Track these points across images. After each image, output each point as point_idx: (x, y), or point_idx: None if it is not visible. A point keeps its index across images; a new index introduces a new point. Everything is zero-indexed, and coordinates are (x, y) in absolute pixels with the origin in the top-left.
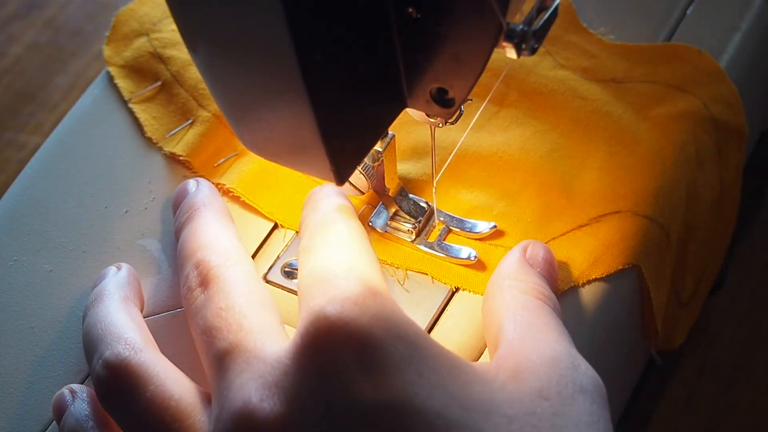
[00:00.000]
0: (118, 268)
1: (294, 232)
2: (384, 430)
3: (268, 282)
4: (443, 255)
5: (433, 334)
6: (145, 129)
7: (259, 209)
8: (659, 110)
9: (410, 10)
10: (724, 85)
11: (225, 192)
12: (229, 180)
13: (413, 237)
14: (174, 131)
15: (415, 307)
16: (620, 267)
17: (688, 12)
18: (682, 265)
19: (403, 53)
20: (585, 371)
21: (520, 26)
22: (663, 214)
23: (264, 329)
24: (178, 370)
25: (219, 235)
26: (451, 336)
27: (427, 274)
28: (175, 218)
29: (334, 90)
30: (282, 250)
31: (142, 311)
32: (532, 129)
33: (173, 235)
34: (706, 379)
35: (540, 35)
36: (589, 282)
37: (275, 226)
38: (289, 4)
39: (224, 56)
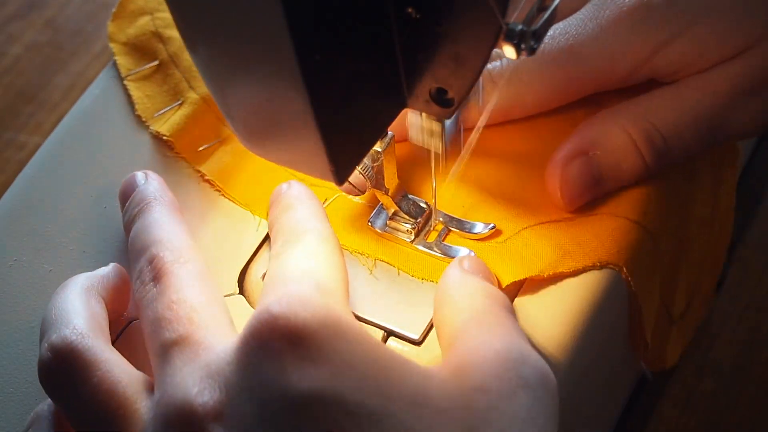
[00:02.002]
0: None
1: None
2: (308, 418)
3: None
4: (442, 255)
5: (433, 333)
6: (137, 107)
7: (234, 200)
8: None
9: (410, 10)
10: None
11: (206, 181)
12: (208, 169)
13: (412, 237)
14: (162, 111)
15: (414, 307)
16: (590, 264)
17: None
18: (673, 278)
19: (403, 53)
20: (534, 364)
21: (520, 26)
22: (649, 219)
23: (214, 324)
24: (124, 358)
25: (172, 231)
26: None
27: (422, 279)
28: (125, 211)
29: (333, 90)
30: None
31: (122, 309)
32: (522, 123)
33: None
34: (706, 379)
35: (539, 35)
36: (558, 276)
37: None
38: (289, 4)
39: (224, 56)
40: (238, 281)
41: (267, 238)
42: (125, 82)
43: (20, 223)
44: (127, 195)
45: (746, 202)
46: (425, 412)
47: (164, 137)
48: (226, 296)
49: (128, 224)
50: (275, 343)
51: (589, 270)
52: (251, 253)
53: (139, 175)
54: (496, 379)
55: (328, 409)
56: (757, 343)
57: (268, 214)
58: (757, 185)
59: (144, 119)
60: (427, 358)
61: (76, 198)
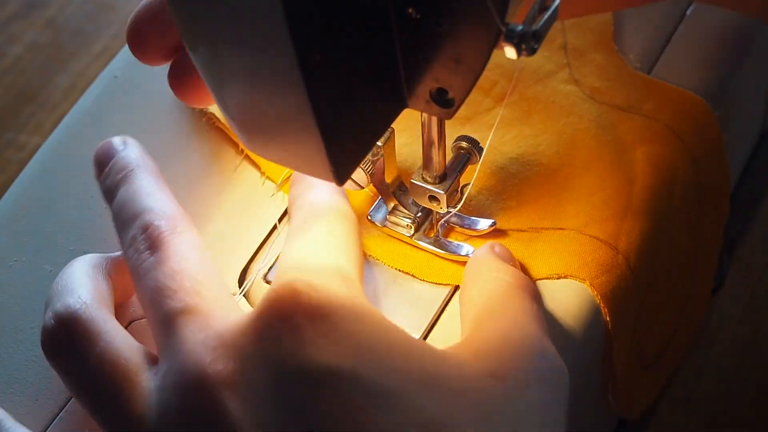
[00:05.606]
0: None
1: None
2: (323, 392)
3: (267, 282)
4: (442, 251)
5: (434, 333)
6: None
7: (238, 140)
8: (649, 149)
9: (410, 10)
10: (720, 157)
11: (208, 118)
12: (215, 107)
13: (412, 232)
14: None
15: (414, 306)
16: (545, 276)
17: (688, 13)
18: (648, 316)
19: (403, 53)
20: (551, 359)
21: (520, 27)
22: (620, 242)
23: (219, 297)
24: (125, 330)
25: (162, 200)
26: (452, 334)
27: (423, 280)
28: (104, 176)
29: (333, 90)
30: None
31: (129, 294)
32: (515, 131)
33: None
34: (706, 379)
35: (540, 36)
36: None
37: (275, 226)
38: (289, 4)
39: (224, 57)
40: (238, 281)
41: (267, 238)
42: None
43: (20, 223)
44: (105, 160)
45: (746, 202)
46: (439, 393)
47: None
48: None
49: (110, 191)
50: (296, 318)
51: (543, 279)
52: (252, 253)
53: (117, 140)
54: (512, 369)
55: (344, 385)
56: (757, 343)
57: (286, 188)
58: (757, 185)
59: None
60: None
61: (76, 198)
